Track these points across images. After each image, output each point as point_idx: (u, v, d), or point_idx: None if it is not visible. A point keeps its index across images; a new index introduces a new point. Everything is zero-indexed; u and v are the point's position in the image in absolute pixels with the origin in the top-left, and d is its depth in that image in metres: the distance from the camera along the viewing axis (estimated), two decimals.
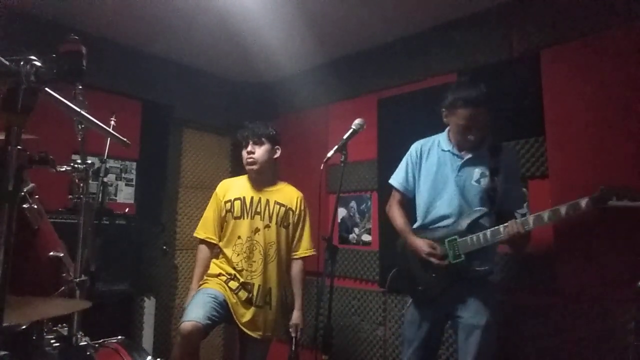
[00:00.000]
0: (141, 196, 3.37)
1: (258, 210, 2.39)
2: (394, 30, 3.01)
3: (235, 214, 2.39)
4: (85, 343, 1.49)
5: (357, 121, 2.03)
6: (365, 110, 3.15)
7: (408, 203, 2.18)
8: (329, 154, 1.94)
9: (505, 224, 1.83)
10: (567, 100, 2.33)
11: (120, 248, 2.90)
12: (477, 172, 1.98)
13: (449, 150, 2.07)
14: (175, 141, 3.68)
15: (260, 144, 2.40)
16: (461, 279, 1.93)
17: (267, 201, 2.41)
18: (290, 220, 2.45)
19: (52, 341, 1.39)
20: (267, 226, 2.38)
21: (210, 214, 2.47)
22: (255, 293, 2.31)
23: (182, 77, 3.66)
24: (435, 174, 2.06)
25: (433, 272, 1.98)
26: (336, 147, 1.96)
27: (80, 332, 1.48)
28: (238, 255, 2.34)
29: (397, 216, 2.16)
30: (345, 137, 1.98)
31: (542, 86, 2.42)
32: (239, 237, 2.36)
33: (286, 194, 2.47)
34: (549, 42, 2.43)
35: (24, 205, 1.21)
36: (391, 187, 2.22)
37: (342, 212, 3.38)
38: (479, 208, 1.95)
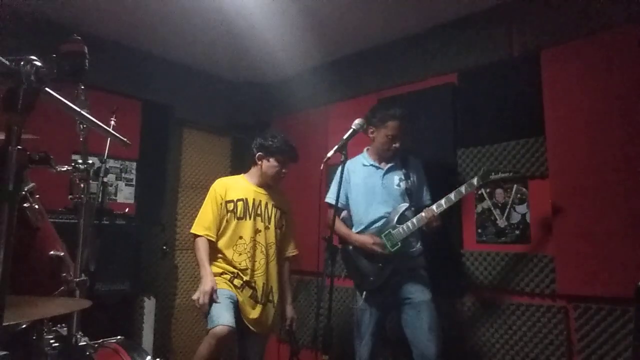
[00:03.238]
0: (141, 196, 3.37)
1: (259, 212, 2.48)
2: (393, 30, 3.01)
3: (238, 215, 2.43)
4: (84, 343, 1.48)
5: (357, 121, 2.05)
6: (365, 110, 3.13)
7: (339, 214, 2.55)
8: (329, 154, 1.96)
9: (424, 211, 2.24)
10: (567, 100, 2.33)
11: (120, 248, 2.90)
12: (396, 177, 2.42)
13: (371, 165, 2.48)
14: (175, 141, 3.69)
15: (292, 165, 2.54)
16: (402, 265, 2.30)
17: (267, 204, 2.52)
18: (284, 223, 2.58)
19: (52, 341, 1.39)
20: (267, 227, 2.49)
21: (209, 212, 2.43)
22: (259, 292, 2.39)
23: (182, 77, 3.67)
24: (365, 185, 2.45)
25: (379, 263, 2.32)
26: (336, 147, 1.98)
27: (80, 332, 1.47)
28: (240, 254, 2.40)
29: (339, 225, 2.48)
30: (345, 137, 2.00)
31: (542, 86, 2.42)
32: (241, 237, 2.41)
33: (280, 198, 2.59)
34: (549, 42, 2.44)
35: (24, 205, 1.21)
36: (328, 204, 2.54)
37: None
38: (403, 204, 2.34)
